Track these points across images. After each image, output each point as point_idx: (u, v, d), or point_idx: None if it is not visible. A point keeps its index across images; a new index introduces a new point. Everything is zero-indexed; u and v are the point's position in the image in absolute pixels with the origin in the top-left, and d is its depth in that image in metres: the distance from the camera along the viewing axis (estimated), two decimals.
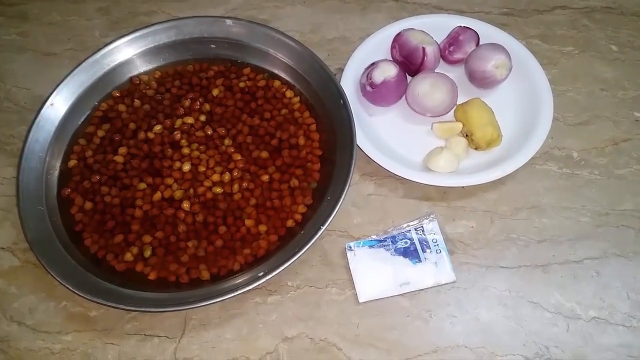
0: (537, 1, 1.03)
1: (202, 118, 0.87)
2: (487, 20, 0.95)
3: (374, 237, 0.79)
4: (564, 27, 1.00)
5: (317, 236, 0.73)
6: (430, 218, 0.79)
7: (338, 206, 0.74)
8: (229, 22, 0.92)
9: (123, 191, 0.82)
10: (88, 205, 0.81)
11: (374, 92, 0.86)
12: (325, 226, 0.73)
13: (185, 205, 0.80)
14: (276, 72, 0.92)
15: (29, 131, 0.83)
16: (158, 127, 0.86)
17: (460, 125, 0.84)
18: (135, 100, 0.89)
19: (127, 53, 0.91)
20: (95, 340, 0.74)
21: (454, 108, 0.87)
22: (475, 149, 0.84)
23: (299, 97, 0.89)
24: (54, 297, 0.77)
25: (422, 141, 0.86)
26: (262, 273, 0.72)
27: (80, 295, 0.71)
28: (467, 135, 0.84)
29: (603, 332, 0.72)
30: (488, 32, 0.92)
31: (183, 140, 0.85)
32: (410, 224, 0.79)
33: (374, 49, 0.92)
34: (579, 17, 1.01)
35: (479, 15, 0.99)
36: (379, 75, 0.85)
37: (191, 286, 0.75)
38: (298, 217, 0.79)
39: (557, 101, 0.86)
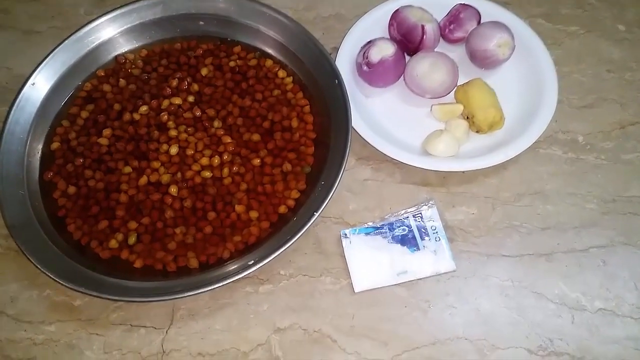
0: None
1: (191, 99, 0.85)
2: None
3: (370, 224, 0.77)
4: (568, 6, 0.98)
5: (310, 223, 0.72)
6: (429, 204, 0.78)
7: (332, 191, 0.73)
8: None
9: (108, 175, 0.80)
10: (71, 189, 0.80)
11: (370, 71, 0.84)
12: (319, 212, 0.72)
13: (173, 190, 0.78)
14: (268, 50, 0.89)
15: (8, 112, 0.81)
16: (144, 108, 0.84)
17: (461, 107, 0.82)
18: (121, 79, 0.87)
19: (112, 30, 0.89)
20: (80, 330, 0.72)
21: (455, 89, 0.85)
22: (477, 132, 0.82)
23: (292, 77, 0.87)
24: (36, 285, 0.75)
25: (420, 124, 0.84)
26: (253, 261, 0.71)
27: (62, 284, 0.70)
28: (468, 118, 0.82)
29: (609, 324, 0.71)
30: (490, 10, 0.90)
31: (170, 122, 0.83)
32: (408, 210, 0.78)
33: (370, 27, 0.90)
34: None
35: None
36: (375, 54, 0.83)
37: (179, 275, 0.73)
38: (291, 202, 0.78)
39: (562, 83, 0.85)
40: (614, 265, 0.74)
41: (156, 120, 0.83)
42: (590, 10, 0.97)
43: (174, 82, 0.86)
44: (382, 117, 0.85)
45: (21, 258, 0.73)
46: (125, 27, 0.89)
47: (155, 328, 0.72)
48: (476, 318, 0.71)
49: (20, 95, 0.82)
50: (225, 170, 0.79)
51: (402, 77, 0.86)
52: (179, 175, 0.79)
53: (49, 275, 0.70)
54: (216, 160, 0.80)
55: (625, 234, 0.76)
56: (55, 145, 0.83)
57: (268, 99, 0.85)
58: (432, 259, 0.74)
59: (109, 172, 0.80)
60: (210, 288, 0.69)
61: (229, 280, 0.69)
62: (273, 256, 0.70)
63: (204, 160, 0.80)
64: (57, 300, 0.74)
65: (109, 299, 0.71)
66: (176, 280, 0.72)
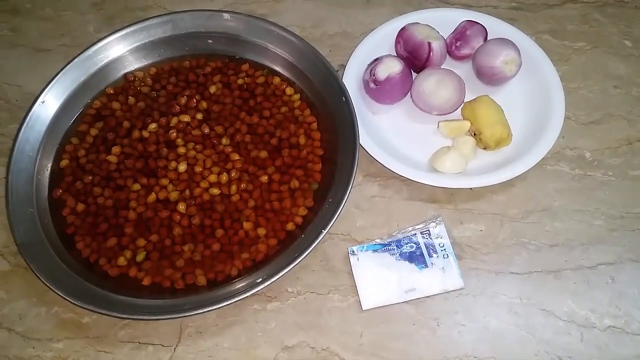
0: None
1: (199, 116, 0.85)
2: (495, 14, 0.93)
3: (378, 241, 0.77)
4: (574, 22, 0.97)
5: (318, 240, 0.71)
6: (436, 221, 0.77)
7: (340, 208, 0.73)
8: (226, 16, 0.90)
9: (116, 192, 0.80)
10: (80, 207, 0.79)
11: (377, 89, 0.84)
12: (327, 229, 0.72)
13: (181, 207, 0.78)
14: (276, 68, 0.90)
15: (19, 131, 0.81)
16: (153, 126, 0.84)
17: (468, 123, 0.82)
18: (130, 97, 0.88)
19: (121, 49, 0.89)
20: (88, 347, 0.72)
21: (462, 106, 0.85)
22: (484, 148, 0.82)
23: (299, 94, 0.87)
24: (45, 302, 0.75)
25: (428, 140, 0.84)
26: (261, 279, 0.71)
27: (71, 302, 0.69)
28: (475, 135, 0.82)
29: (619, 342, 0.70)
30: (496, 27, 0.90)
31: (179, 139, 0.83)
32: (416, 227, 0.78)
33: (377, 45, 0.90)
34: (591, 12, 0.98)
35: (486, 10, 0.96)
36: (382, 72, 0.83)
37: (187, 292, 0.73)
38: (298, 219, 0.77)
39: (569, 99, 0.85)
40: (622, 283, 0.73)
41: (165, 137, 0.83)
42: (597, 26, 0.96)
43: (183, 100, 0.86)
44: (390, 134, 0.84)
45: (30, 275, 0.73)
46: (134, 45, 0.89)
47: (163, 346, 0.71)
48: (485, 336, 0.71)
49: (30, 114, 0.82)
50: (233, 187, 0.79)
51: (409, 94, 0.86)
52: (187, 192, 0.79)
53: (57, 293, 0.69)
54: (224, 178, 0.79)
55: (633, 251, 0.76)
56: (64, 162, 0.83)
57: (276, 116, 0.85)
58: (440, 277, 0.73)
59: (118, 190, 0.80)
60: (218, 306, 0.68)
61: (237, 298, 0.69)
62: (281, 274, 0.69)
63: (212, 178, 0.80)
64: (65, 317, 0.74)
65: (117, 316, 0.70)
66: (184, 298, 0.72)
